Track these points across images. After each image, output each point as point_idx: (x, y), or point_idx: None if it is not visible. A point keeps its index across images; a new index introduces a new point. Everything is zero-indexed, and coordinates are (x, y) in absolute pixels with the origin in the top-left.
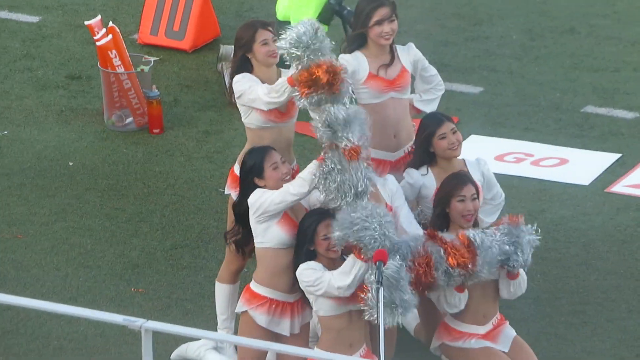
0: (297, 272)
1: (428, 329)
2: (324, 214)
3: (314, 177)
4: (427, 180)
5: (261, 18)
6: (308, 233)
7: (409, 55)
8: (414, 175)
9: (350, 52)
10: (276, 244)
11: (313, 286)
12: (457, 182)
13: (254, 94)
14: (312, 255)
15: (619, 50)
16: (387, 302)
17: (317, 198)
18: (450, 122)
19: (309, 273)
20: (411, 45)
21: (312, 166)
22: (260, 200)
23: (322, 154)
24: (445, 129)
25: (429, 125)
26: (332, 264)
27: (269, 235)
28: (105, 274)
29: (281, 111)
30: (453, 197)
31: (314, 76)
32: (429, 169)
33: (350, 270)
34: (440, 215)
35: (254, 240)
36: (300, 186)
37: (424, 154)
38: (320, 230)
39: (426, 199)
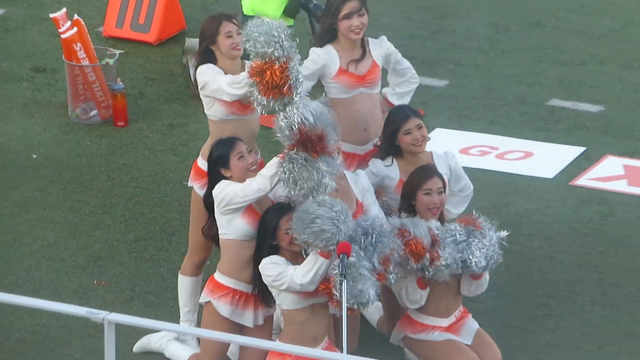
0: (260, 266)
1: (391, 322)
2: (285, 209)
3: (275, 174)
4: (390, 171)
5: (227, 11)
6: (270, 228)
7: (381, 48)
8: (377, 165)
9: (321, 46)
10: (240, 235)
11: (276, 281)
12: (423, 175)
13: (216, 84)
14: (274, 249)
15: (585, 44)
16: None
17: (283, 191)
18: (417, 118)
19: (271, 267)
20: (383, 38)
21: (274, 163)
22: (224, 192)
23: (285, 151)
24: (410, 125)
25: (395, 119)
26: (295, 257)
27: (232, 226)
28: (68, 267)
29: (244, 103)
30: (419, 190)
31: (265, 71)
32: (394, 160)
33: (312, 267)
34: (406, 208)
35: (219, 232)
36: (262, 183)
37: (390, 146)
38: (283, 225)
39: (389, 190)
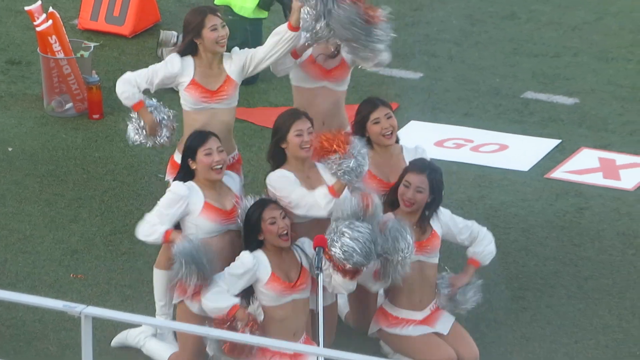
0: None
1: (357, 314)
2: (267, 201)
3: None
4: None
5: (202, 3)
6: (254, 219)
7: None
8: None
9: None
10: (205, 233)
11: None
12: (412, 169)
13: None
14: (259, 245)
15: (559, 36)
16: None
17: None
18: (386, 107)
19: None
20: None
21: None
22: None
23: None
24: (379, 114)
25: (363, 108)
26: (280, 254)
27: (193, 224)
28: (44, 260)
29: (211, 89)
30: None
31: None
32: None
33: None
34: (390, 196)
35: (184, 232)
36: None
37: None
38: (266, 216)
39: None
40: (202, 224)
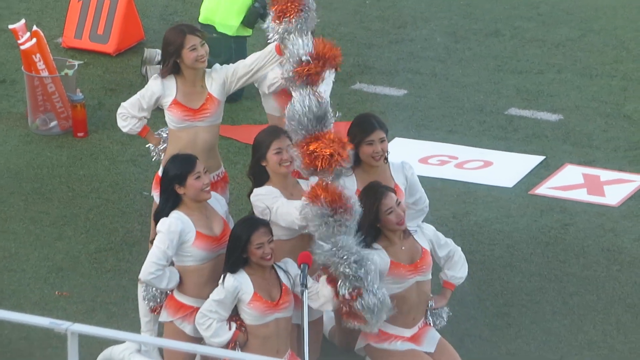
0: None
1: (342, 331)
2: (257, 223)
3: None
4: (348, 181)
5: (185, 21)
6: (242, 241)
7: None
8: None
9: None
10: (196, 260)
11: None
12: (378, 194)
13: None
14: (243, 263)
15: (543, 53)
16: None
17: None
18: (382, 131)
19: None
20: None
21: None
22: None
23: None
24: (374, 137)
25: (360, 128)
26: (262, 274)
27: (186, 255)
28: (30, 278)
29: (193, 108)
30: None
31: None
32: (353, 171)
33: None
34: (369, 226)
35: (173, 259)
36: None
37: (353, 155)
38: (254, 240)
39: None
40: (195, 254)
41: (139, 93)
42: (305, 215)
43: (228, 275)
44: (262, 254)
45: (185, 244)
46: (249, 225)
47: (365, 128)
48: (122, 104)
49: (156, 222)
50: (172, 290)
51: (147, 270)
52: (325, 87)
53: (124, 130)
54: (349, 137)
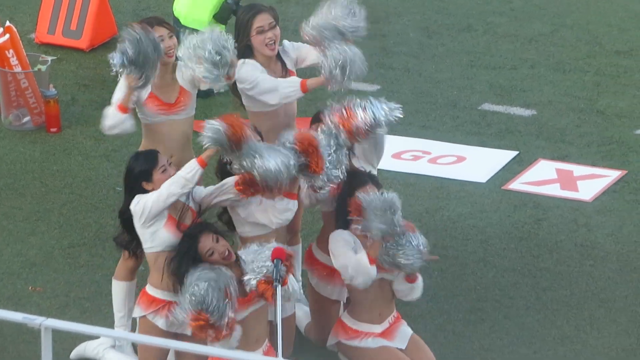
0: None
1: (318, 327)
2: (198, 232)
3: (193, 175)
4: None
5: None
6: (195, 259)
7: (288, 53)
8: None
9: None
10: (166, 246)
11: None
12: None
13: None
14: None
15: (516, 48)
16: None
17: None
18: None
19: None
20: (284, 43)
21: (192, 165)
22: (142, 203)
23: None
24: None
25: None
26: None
27: (157, 239)
28: (3, 273)
29: (169, 102)
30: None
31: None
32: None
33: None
34: (344, 212)
35: (143, 246)
36: (183, 186)
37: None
38: (203, 249)
39: None
40: (164, 238)
41: (119, 85)
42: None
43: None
44: (219, 255)
45: (154, 226)
46: (190, 241)
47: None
48: (109, 106)
49: (121, 220)
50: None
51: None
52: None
53: (112, 130)
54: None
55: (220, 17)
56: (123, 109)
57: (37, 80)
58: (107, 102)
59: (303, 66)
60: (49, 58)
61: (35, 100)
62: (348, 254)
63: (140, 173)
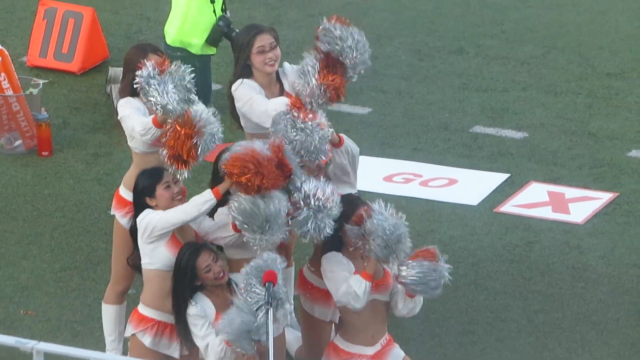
0: (188, 315)
1: (311, 350)
2: (198, 249)
3: (204, 205)
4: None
5: (150, 40)
6: (188, 272)
7: (287, 76)
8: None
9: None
10: (163, 265)
11: (198, 338)
12: (353, 204)
13: (129, 123)
14: (195, 289)
15: (508, 70)
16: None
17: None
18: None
19: (196, 322)
20: (285, 64)
21: (207, 196)
22: (147, 219)
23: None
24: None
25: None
26: (220, 293)
27: (156, 256)
28: None
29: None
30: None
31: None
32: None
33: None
34: (334, 236)
35: (142, 261)
36: (192, 215)
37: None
38: (201, 265)
39: None
40: (164, 256)
41: (129, 114)
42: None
43: (190, 306)
44: (214, 275)
45: (158, 242)
46: (190, 252)
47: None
48: (136, 134)
49: (132, 234)
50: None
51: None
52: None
53: (147, 136)
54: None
55: (212, 39)
56: None
57: (29, 104)
58: (98, 125)
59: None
60: (41, 81)
61: (27, 123)
62: (341, 278)
63: (144, 189)
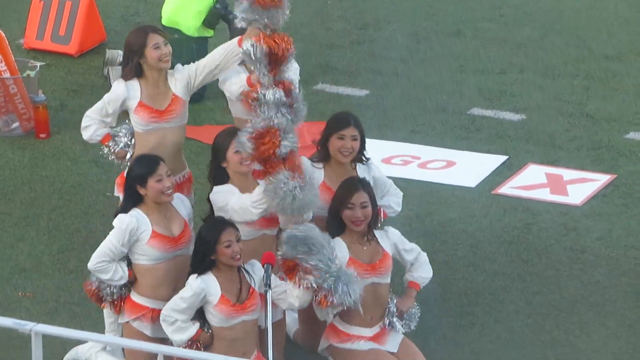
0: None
1: (307, 333)
2: (224, 223)
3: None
4: (315, 173)
5: (147, 22)
6: (210, 242)
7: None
8: (304, 163)
9: None
10: (150, 260)
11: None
12: (347, 190)
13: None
14: (211, 265)
15: (505, 53)
16: None
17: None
18: (356, 128)
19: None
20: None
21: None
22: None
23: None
24: (346, 132)
25: (335, 122)
26: (229, 276)
27: (140, 253)
28: None
29: (159, 109)
30: (343, 205)
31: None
32: (322, 165)
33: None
34: (334, 220)
35: (130, 257)
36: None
37: (322, 148)
38: (223, 238)
39: None
40: (149, 252)
41: (104, 98)
42: (264, 193)
43: (194, 276)
44: (232, 252)
45: (140, 242)
46: (217, 224)
47: (340, 121)
48: (87, 112)
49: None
50: (126, 288)
51: (94, 260)
52: (293, 76)
53: (85, 137)
54: (325, 129)
55: (208, 22)
56: None
57: (26, 86)
58: None
59: None
60: (38, 64)
61: (24, 106)
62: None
63: (136, 177)
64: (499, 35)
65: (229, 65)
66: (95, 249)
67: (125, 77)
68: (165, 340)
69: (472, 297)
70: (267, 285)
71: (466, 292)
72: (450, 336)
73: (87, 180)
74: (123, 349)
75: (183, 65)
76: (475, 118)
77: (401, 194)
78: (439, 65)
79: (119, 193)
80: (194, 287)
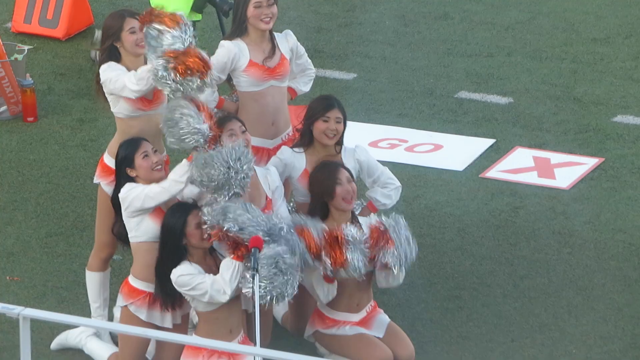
0: (173, 280)
1: (295, 317)
2: (191, 206)
3: (185, 174)
4: (297, 159)
5: (134, 6)
6: (177, 226)
7: (287, 42)
8: (285, 152)
9: (231, 40)
10: (150, 237)
11: (195, 290)
12: (331, 168)
13: (119, 82)
14: (181, 253)
15: (493, 36)
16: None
17: (191, 191)
18: (340, 111)
19: (186, 279)
20: (289, 32)
21: (184, 166)
22: (131, 196)
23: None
24: (331, 115)
25: (319, 105)
26: (204, 259)
27: (142, 229)
28: None
29: (148, 98)
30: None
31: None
32: (304, 150)
33: (230, 277)
34: (319, 209)
35: (128, 235)
36: (170, 186)
37: (305, 132)
38: (191, 221)
39: (293, 179)
40: (150, 228)
41: (120, 74)
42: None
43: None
44: (202, 234)
45: (143, 214)
46: (182, 209)
47: (324, 105)
48: (129, 84)
49: (114, 206)
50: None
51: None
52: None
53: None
54: (307, 113)
55: (196, 6)
56: None
57: (14, 70)
58: (83, 91)
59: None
60: (26, 47)
61: (12, 89)
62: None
63: (123, 159)
64: (487, 18)
65: None
66: (84, 233)
67: (101, 59)
68: (159, 327)
69: (459, 280)
70: (254, 269)
71: (453, 275)
72: (437, 320)
73: (75, 164)
74: (111, 333)
75: None
76: (463, 101)
77: (395, 185)
78: (427, 49)
79: (99, 179)
80: (191, 270)
